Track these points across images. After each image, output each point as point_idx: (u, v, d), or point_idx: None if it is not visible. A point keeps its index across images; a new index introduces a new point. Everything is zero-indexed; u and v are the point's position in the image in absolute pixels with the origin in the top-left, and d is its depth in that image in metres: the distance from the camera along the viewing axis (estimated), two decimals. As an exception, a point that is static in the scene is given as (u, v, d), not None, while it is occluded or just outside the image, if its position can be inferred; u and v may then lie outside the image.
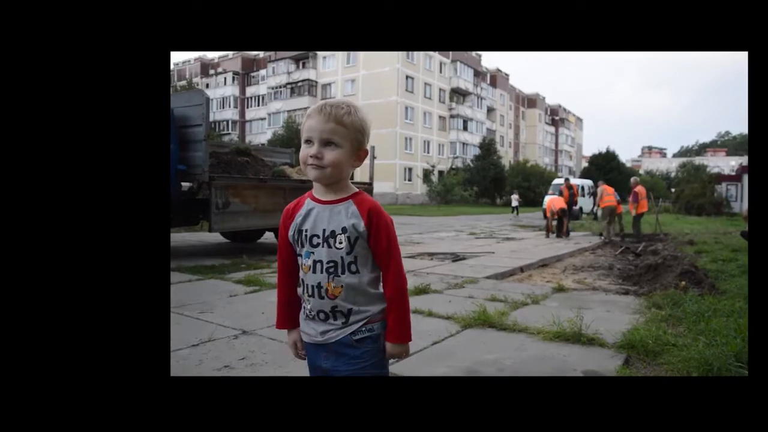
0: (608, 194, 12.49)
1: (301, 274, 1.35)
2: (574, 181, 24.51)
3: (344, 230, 1.29)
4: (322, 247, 1.30)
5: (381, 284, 1.37)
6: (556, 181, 28.53)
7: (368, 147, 1.35)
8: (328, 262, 1.29)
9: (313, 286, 1.31)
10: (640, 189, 12.68)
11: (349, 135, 1.28)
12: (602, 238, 11.84)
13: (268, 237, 9.36)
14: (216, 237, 9.51)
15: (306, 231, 1.32)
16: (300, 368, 1.44)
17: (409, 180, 45.01)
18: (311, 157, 1.27)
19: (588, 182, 28.39)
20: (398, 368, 2.51)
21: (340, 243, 1.29)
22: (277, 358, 2.90)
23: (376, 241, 1.31)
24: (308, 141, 1.29)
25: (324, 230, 1.30)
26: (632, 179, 13.66)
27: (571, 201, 14.14)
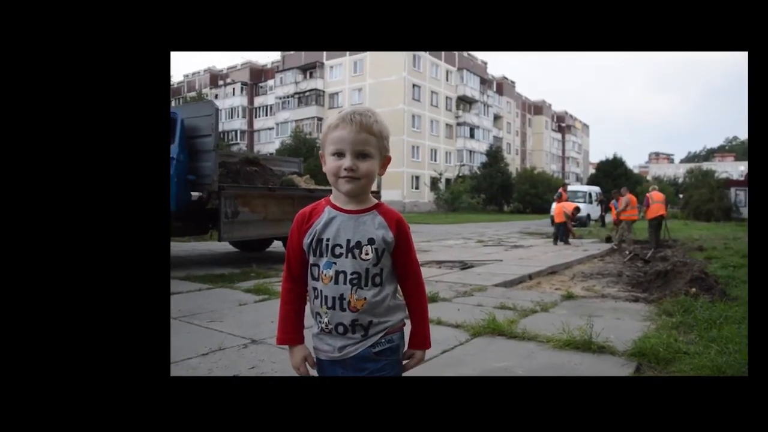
0: (633, 207, 12.10)
1: (317, 284, 1.28)
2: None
3: (371, 241, 1.25)
4: (346, 257, 1.25)
5: (399, 294, 1.35)
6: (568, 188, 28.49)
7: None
8: (352, 273, 1.24)
9: (334, 298, 1.25)
10: (654, 194, 12.52)
11: (379, 144, 1.25)
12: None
13: (277, 246, 9.39)
14: (225, 246, 9.55)
15: (327, 240, 1.26)
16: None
17: (417, 188, 45.04)
18: (346, 170, 1.22)
19: (596, 189, 28.25)
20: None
21: (367, 254, 1.25)
22: (287, 367, 2.89)
23: (402, 252, 1.30)
24: (338, 153, 1.24)
25: (348, 240, 1.25)
26: (652, 188, 13.40)
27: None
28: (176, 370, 2.82)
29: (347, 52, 44.37)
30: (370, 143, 1.23)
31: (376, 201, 1.33)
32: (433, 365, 2.94)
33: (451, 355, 3.19)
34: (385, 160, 1.30)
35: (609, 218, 24.54)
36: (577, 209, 12.71)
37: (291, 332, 1.35)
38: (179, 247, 9.79)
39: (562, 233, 12.52)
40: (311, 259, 1.29)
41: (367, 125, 1.23)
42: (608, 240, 13.19)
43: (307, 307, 1.37)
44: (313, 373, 1.37)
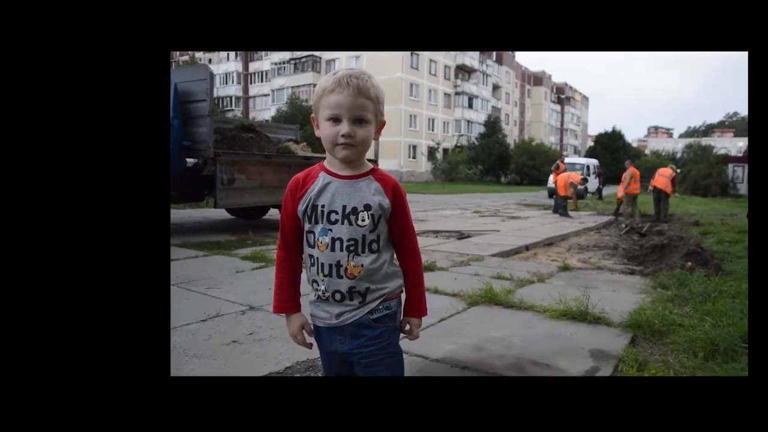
0: (635, 180, 12.04)
1: (312, 252, 1.26)
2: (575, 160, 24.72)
3: (368, 207, 1.23)
4: (342, 224, 1.22)
5: (396, 260, 1.34)
6: (566, 160, 28.48)
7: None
8: (348, 240, 1.22)
9: (330, 265, 1.23)
10: (661, 169, 12.65)
11: (375, 108, 1.22)
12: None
13: (274, 213, 9.36)
14: (221, 213, 9.53)
15: (322, 206, 1.24)
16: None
17: (414, 158, 44.83)
18: (343, 136, 1.18)
19: (594, 161, 28.26)
20: (405, 345, 2.52)
21: (363, 220, 1.22)
22: (285, 333, 2.89)
23: (398, 218, 1.28)
24: (334, 119, 1.19)
25: (344, 206, 1.23)
26: (669, 166, 13.42)
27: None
28: (175, 336, 2.83)
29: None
30: (367, 108, 1.19)
31: (372, 166, 1.30)
32: (430, 333, 2.96)
33: (448, 324, 3.21)
34: (380, 125, 1.26)
35: (606, 192, 24.64)
36: (585, 179, 12.77)
37: (287, 300, 1.34)
38: (175, 214, 9.75)
39: (563, 206, 12.51)
40: (306, 226, 1.27)
41: (365, 89, 1.18)
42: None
43: (304, 275, 1.36)
44: (311, 340, 1.37)
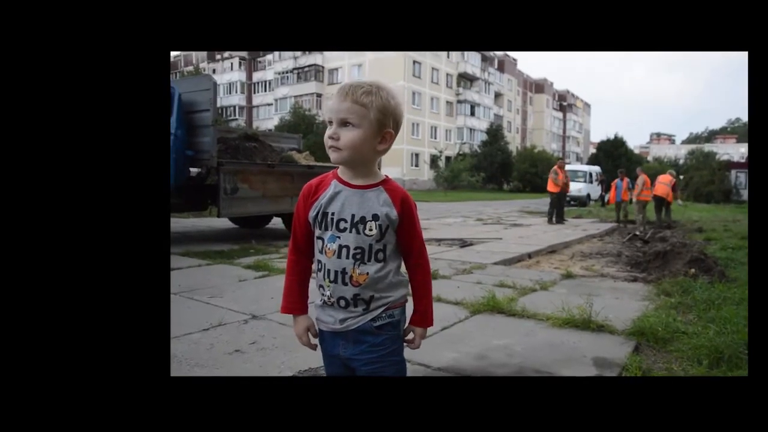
0: (647, 188, 12.14)
1: (321, 257, 1.30)
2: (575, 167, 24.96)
3: (375, 217, 1.25)
4: (350, 232, 1.25)
5: (402, 270, 1.36)
6: (568, 167, 28.47)
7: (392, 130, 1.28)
8: (355, 248, 1.25)
9: (336, 272, 1.26)
10: (661, 176, 12.71)
11: (368, 115, 1.22)
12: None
13: (277, 222, 9.38)
14: (224, 222, 9.55)
15: (332, 214, 1.27)
16: (311, 352, 1.43)
17: (416, 166, 44.91)
18: (329, 138, 1.23)
19: (596, 168, 28.25)
20: (407, 353, 2.51)
21: (370, 230, 1.25)
22: (287, 342, 2.92)
23: (406, 229, 1.30)
24: (329, 122, 1.25)
25: (353, 215, 1.25)
26: (668, 172, 13.48)
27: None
28: (177, 345, 2.83)
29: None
30: (353, 112, 1.21)
31: (384, 176, 1.31)
32: (432, 342, 2.95)
33: (450, 332, 3.21)
34: (385, 135, 1.26)
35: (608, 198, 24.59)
36: (561, 159, 13.26)
37: (295, 302, 1.38)
38: (178, 223, 9.78)
39: (558, 213, 12.49)
40: (317, 232, 1.30)
41: (354, 95, 1.21)
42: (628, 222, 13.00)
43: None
44: (315, 342, 1.39)
